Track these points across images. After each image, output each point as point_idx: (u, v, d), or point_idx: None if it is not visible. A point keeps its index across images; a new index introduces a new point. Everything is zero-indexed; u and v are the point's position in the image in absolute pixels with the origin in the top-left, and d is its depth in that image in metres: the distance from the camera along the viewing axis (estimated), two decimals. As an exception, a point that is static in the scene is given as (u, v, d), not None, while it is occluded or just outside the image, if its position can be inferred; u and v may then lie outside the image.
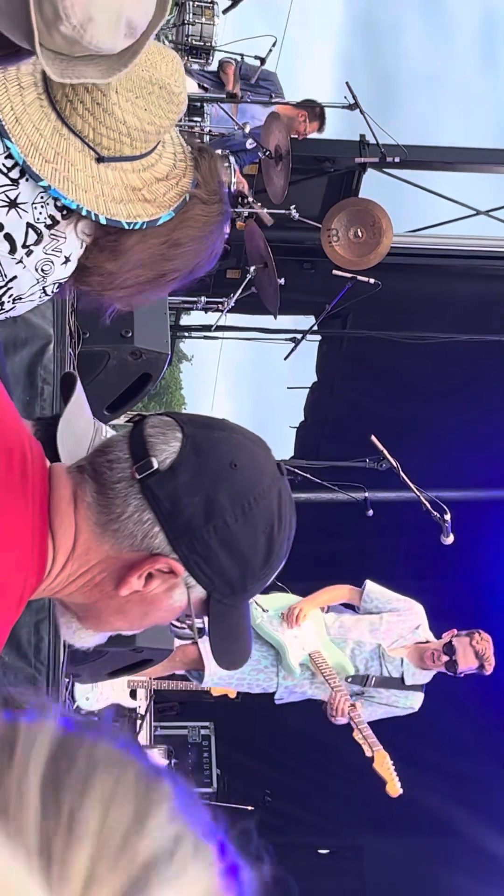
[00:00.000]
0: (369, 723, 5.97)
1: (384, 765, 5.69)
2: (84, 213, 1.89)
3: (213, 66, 8.29)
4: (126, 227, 1.91)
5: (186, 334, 10.10)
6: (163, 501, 1.43)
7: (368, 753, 5.69)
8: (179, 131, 2.06)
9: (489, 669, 5.93)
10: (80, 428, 2.06)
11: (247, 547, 1.46)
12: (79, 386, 2.10)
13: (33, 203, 1.90)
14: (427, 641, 6.08)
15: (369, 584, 6.19)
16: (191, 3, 8.19)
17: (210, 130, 7.38)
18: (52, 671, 4.02)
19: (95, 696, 6.49)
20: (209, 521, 1.43)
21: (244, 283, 7.53)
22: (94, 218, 1.89)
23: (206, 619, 1.53)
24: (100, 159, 1.87)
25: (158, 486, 1.43)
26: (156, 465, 1.43)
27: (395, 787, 5.69)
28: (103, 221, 1.90)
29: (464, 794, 9.12)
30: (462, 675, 5.94)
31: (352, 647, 6.04)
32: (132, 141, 1.87)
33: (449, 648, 5.89)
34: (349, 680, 6.02)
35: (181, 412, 1.58)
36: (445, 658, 5.88)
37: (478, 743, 9.04)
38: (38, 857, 0.63)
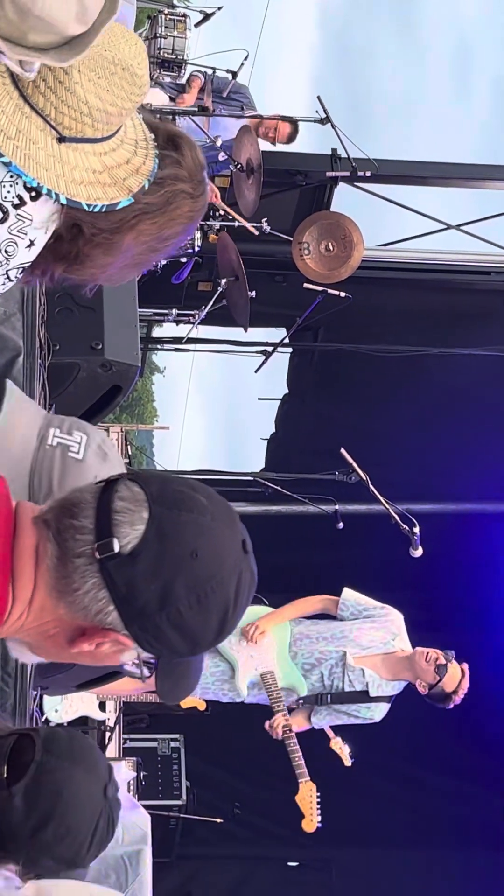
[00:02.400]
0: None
1: (305, 798, 5.66)
2: (45, 191, 1.86)
3: (185, 80, 8.30)
4: (86, 209, 1.89)
5: (158, 346, 10.09)
6: (119, 586, 1.44)
7: (301, 780, 5.67)
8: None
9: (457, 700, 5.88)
10: (17, 444, 2.04)
11: (198, 629, 1.49)
12: (9, 392, 2.08)
13: (1, 181, 1.87)
14: (403, 651, 6.02)
15: (346, 592, 6.13)
16: (163, 16, 8.18)
17: (184, 132, 7.38)
18: (19, 683, 4.00)
19: (64, 708, 6.46)
20: (163, 608, 1.45)
21: (215, 296, 7.54)
22: (53, 197, 1.87)
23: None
24: (61, 139, 1.84)
25: (117, 570, 1.44)
26: (117, 549, 1.43)
27: (310, 824, 5.68)
28: (63, 201, 1.87)
29: (432, 808, 9.13)
30: (438, 692, 5.84)
31: (317, 657, 5.99)
32: (94, 122, 1.85)
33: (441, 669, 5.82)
34: (301, 702, 5.98)
35: (155, 478, 1.53)
36: (442, 662, 5.79)
37: (446, 757, 9.06)
38: None
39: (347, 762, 5.91)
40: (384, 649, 5.97)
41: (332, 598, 6.15)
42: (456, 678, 5.78)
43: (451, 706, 5.84)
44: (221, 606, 1.48)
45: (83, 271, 2.05)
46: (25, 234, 1.94)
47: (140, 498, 1.47)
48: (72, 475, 2.09)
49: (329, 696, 5.94)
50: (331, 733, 5.93)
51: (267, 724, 5.79)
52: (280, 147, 7.98)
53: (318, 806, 5.65)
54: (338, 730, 6.01)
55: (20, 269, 2.01)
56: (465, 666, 5.85)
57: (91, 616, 1.46)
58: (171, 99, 7.98)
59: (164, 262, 6.79)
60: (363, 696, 5.93)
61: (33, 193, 1.90)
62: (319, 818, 5.65)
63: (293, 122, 7.87)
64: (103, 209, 1.91)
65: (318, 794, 5.65)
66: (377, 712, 5.99)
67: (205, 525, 1.48)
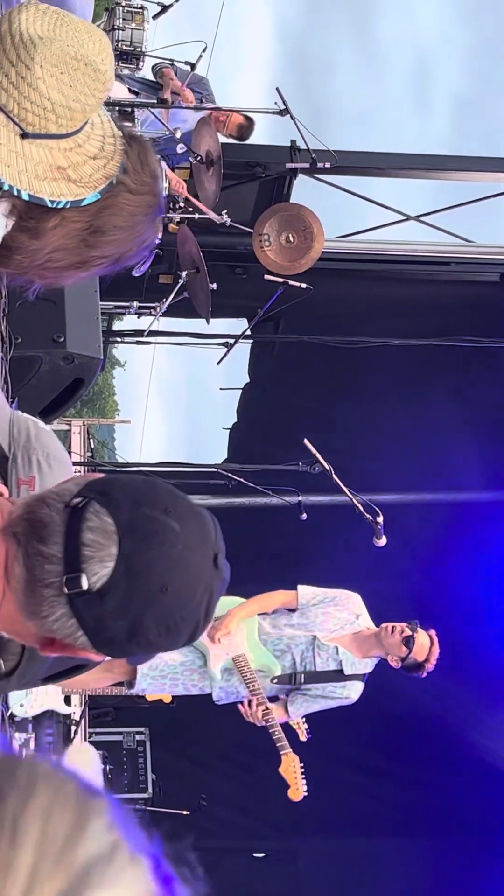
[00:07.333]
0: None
1: (289, 769, 5.68)
2: (6, 188, 1.83)
3: (143, 72, 8.27)
4: (49, 205, 1.86)
5: (119, 339, 10.06)
6: (87, 620, 1.44)
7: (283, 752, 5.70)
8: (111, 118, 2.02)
9: (429, 668, 5.93)
10: None
11: (169, 647, 1.51)
12: None
13: None
14: (369, 629, 6.07)
15: (301, 587, 6.18)
16: (120, 8, 8.16)
17: (141, 135, 7.36)
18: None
19: (30, 702, 6.45)
20: (132, 639, 1.46)
21: (176, 288, 7.53)
22: (16, 193, 1.83)
23: None
24: (24, 135, 1.82)
25: (85, 607, 1.43)
26: (85, 586, 1.42)
27: (297, 792, 5.70)
28: (26, 197, 1.84)
29: (396, 796, 9.18)
30: (411, 663, 5.88)
31: (286, 642, 6.01)
32: (57, 118, 1.83)
33: (409, 641, 5.86)
34: (275, 681, 5.99)
35: (126, 500, 1.47)
36: (408, 633, 5.85)
37: (409, 745, 9.10)
38: None
39: (304, 737, 5.96)
40: (350, 629, 6.02)
41: (290, 592, 6.17)
42: (425, 646, 5.85)
43: (425, 674, 5.90)
44: (192, 626, 1.49)
45: (10, 259, 2.00)
46: None
47: (110, 530, 1.44)
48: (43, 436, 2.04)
49: (303, 675, 5.97)
50: None
51: (241, 708, 5.80)
52: (238, 139, 7.97)
53: (303, 775, 5.68)
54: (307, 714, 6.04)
55: None
56: (433, 632, 5.92)
57: (62, 636, 1.47)
58: (130, 90, 7.96)
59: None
60: (338, 675, 5.97)
61: None
62: (305, 787, 5.68)
63: (246, 116, 7.84)
64: (68, 205, 1.89)
65: (302, 764, 5.68)
66: (353, 691, 6.01)
67: (175, 557, 1.46)
